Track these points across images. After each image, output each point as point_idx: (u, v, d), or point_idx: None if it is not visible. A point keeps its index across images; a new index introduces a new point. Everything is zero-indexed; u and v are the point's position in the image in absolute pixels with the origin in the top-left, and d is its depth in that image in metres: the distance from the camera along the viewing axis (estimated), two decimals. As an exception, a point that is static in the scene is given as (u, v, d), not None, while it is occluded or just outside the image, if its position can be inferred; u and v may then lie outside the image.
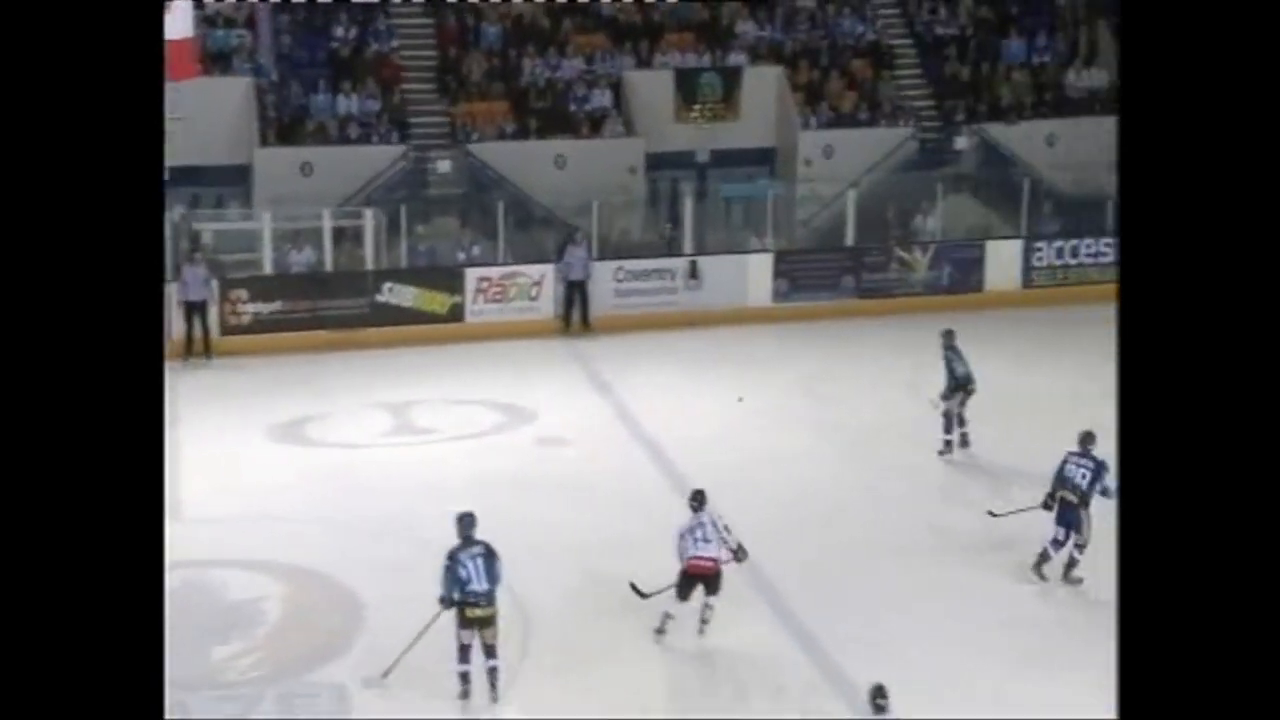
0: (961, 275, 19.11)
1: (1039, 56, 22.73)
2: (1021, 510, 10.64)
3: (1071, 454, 10.35)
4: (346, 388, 15.36)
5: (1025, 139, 21.33)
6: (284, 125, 19.64)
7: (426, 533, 10.88)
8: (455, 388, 15.47)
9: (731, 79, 21.39)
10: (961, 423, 12.90)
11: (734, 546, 9.36)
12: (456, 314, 17.45)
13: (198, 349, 16.24)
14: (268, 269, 17.35)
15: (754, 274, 18.75)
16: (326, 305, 17.23)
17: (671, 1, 22.01)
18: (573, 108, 20.98)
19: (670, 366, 16.60)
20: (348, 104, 20.05)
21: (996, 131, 21.54)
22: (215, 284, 16.57)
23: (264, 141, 19.24)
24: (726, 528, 9.38)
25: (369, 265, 17.81)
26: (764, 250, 19.25)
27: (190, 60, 16.64)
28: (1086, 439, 10.33)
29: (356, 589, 10.26)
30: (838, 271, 18.97)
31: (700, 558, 9.26)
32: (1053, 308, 18.55)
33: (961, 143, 21.40)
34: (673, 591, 9.29)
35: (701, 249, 19.12)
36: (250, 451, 13.28)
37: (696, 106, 21.24)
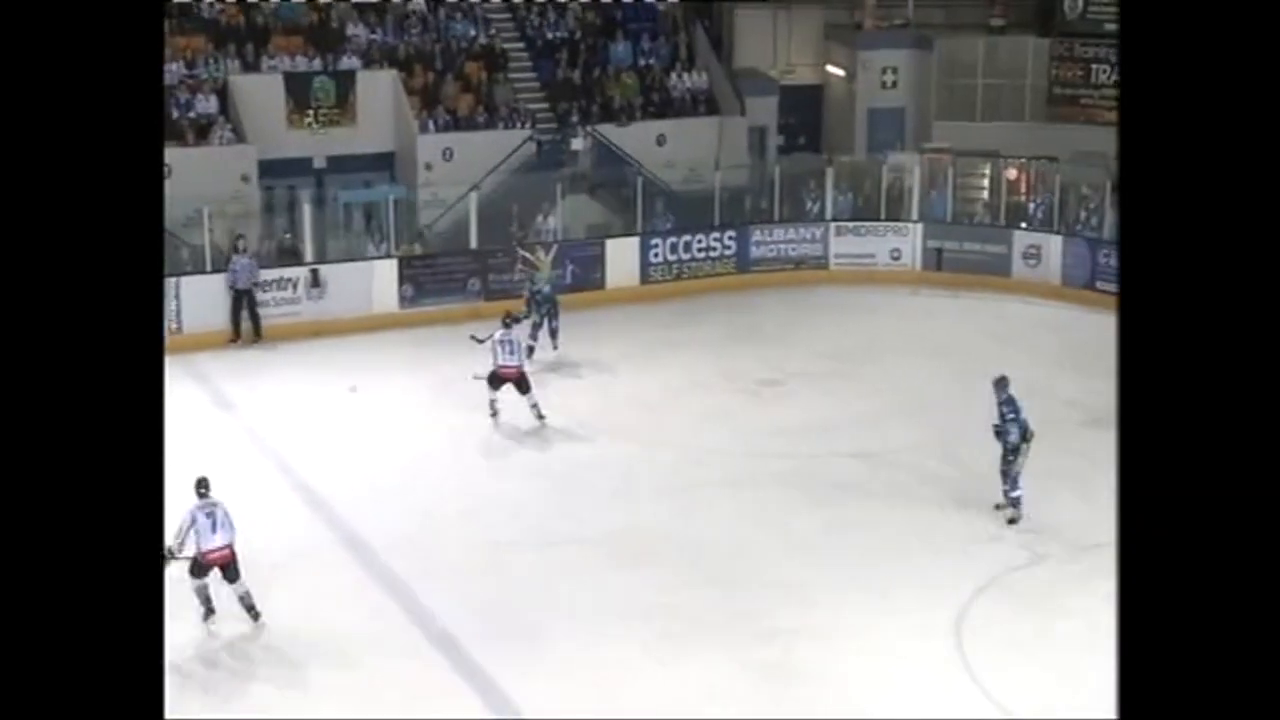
0: (584, 273, 19.79)
1: (645, 59, 23.82)
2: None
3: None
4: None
5: (636, 139, 22.36)
6: None
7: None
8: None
9: (345, 83, 21.32)
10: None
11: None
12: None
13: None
14: None
15: (379, 280, 18.79)
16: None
17: (275, 3, 21.61)
18: (176, 114, 20.23)
19: (297, 378, 16.37)
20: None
21: (609, 132, 22.45)
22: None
23: None
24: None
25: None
26: (388, 256, 19.26)
27: None
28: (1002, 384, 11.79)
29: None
30: (464, 274, 19.24)
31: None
32: (669, 301, 19.55)
33: (577, 144, 22.15)
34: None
35: (323, 257, 18.95)
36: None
37: (310, 111, 21.05)
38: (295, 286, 18.28)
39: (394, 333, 18.12)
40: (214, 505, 10.11)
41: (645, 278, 20.21)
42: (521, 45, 23.28)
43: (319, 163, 20.95)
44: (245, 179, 19.97)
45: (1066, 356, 16.73)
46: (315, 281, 18.34)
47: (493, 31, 23.19)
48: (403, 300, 18.80)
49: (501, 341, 14.17)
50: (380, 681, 9.13)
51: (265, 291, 18.02)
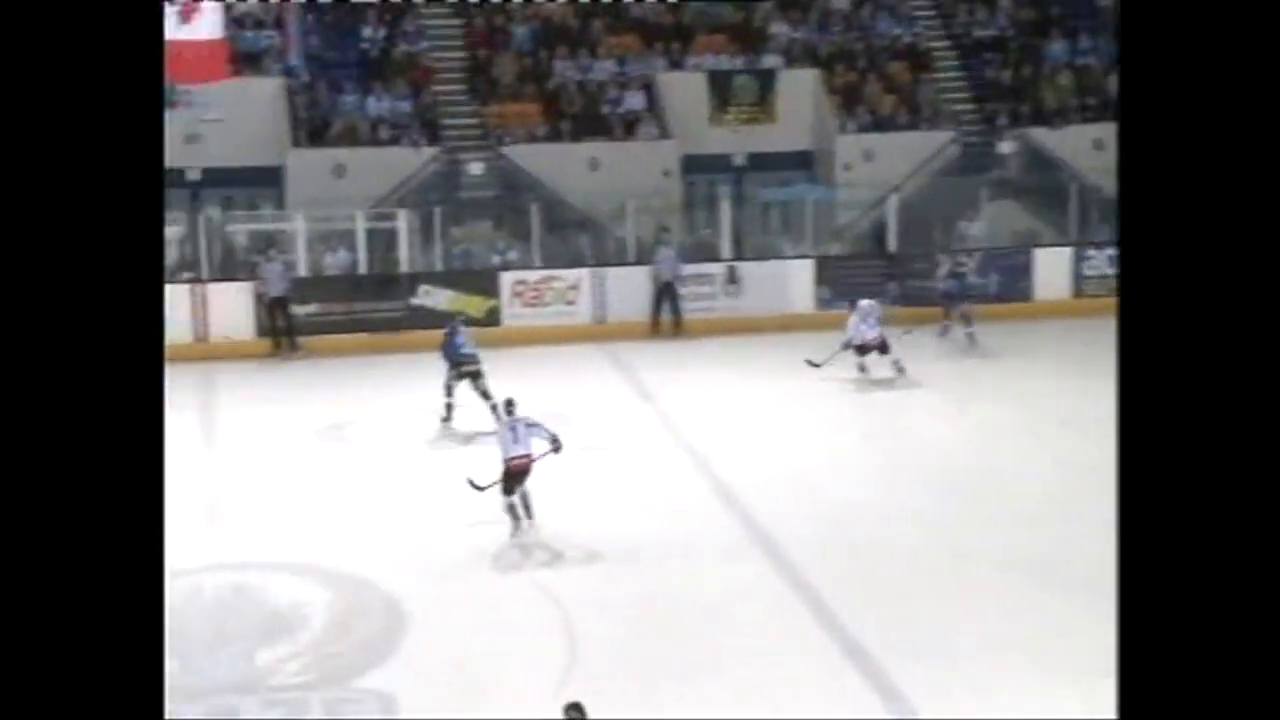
0: (1009, 282, 19.00)
1: (1082, 58, 22.64)
2: None
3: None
4: (386, 391, 15.35)
5: (1071, 143, 21.26)
6: (315, 126, 19.75)
7: (468, 536, 10.86)
8: (493, 391, 15.39)
9: (766, 81, 21.47)
10: None
11: (548, 440, 10.95)
12: (493, 318, 17.47)
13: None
14: (302, 271, 17.39)
15: (795, 280, 18.77)
16: (363, 308, 17.31)
17: (701, 2, 22.01)
18: (605, 110, 21.03)
19: (714, 373, 16.52)
20: (379, 105, 20.09)
21: (1041, 136, 21.50)
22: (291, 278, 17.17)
23: (296, 143, 19.40)
24: (535, 425, 11.00)
25: (404, 268, 17.85)
26: (805, 256, 19.20)
27: (220, 62, 16.94)
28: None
29: (400, 594, 10.16)
30: (881, 278, 18.91)
31: (516, 456, 10.81)
32: (1106, 316, 18.32)
33: (1005, 147, 21.38)
34: (499, 488, 10.84)
35: (741, 254, 19.08)
36: (291, 453, 13.26)
37: (731, 109, 21.31)
38: (712, 282, 18.53)
39: (809, 334, 17.94)
40: (516, 421, 10.92)
41: (1078, 290, 19.20)
42: (948, 44, 22.69)
43: (739, 160, 21.21)
44: (668, 174, 20.48)
45: None
46: (732, 278, 18.54)
47: (918, 30, 22.71)
48: (819, 301, 18.69)
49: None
50: (784, 679, 8.81)
51: (684, 286, 18.34)
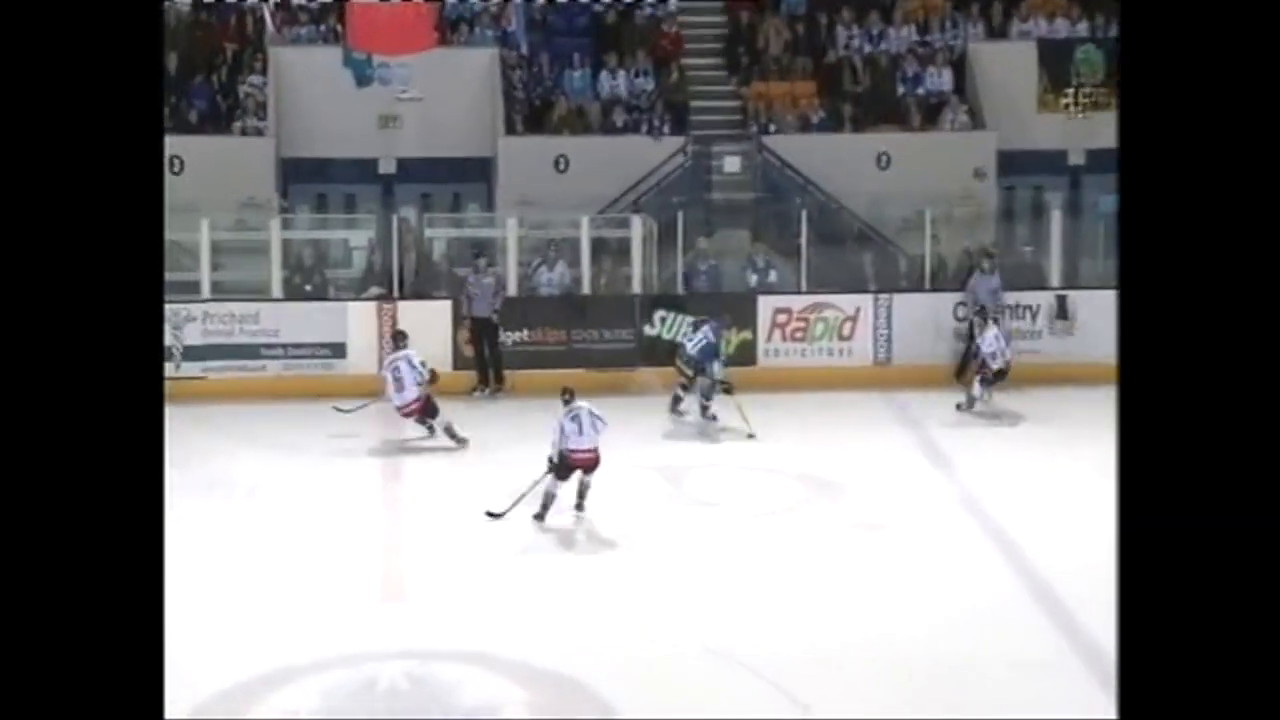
0: None
1: None
2: None
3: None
4: (609, 444, 15.70)
5: None
6: (534, 109, 20.36)
7: (699, 634, 10.97)
8: (743, 449, 15.58)
9: (1117, 54, 20.98)
10: None
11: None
12: (746, 354, 17.64)
13: (488, 380, 17.55)
14: (512, 289, 17.92)
15: (1145, 316, 18.26)
16: (584, 337, 17.79)
17: (1033, -46, 21.89)
18: (901, 91, 21.01)
19: (1030, 434, 16.22)
20: (613, 83, 20.62)
21: None
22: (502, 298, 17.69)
23: (510, 129, 20.03)
24: (598, 418, 13.07)
25: (636, 288, 18.26)
26: (1158, 286, 18.71)
27: (425, 28, 17.58)
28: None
29: (613, 699, 10.37)
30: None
31: (584, 450, 13.07)
32: None
33: None
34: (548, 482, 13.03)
35: (1073, 281, 18.77)
36: (480, 521, 13.63)
37: (1069, 91, 21.03)
38: (1036, 316, 18.26)
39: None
40: (578, 409, 12.89)
41: None
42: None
43: (1076, 158, 20.90)
44: (980, 174, 20.38)
45: None
46: (1062, 312, 18.24)
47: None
48: (1174, 346, 18.21)
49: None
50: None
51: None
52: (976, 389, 16.80)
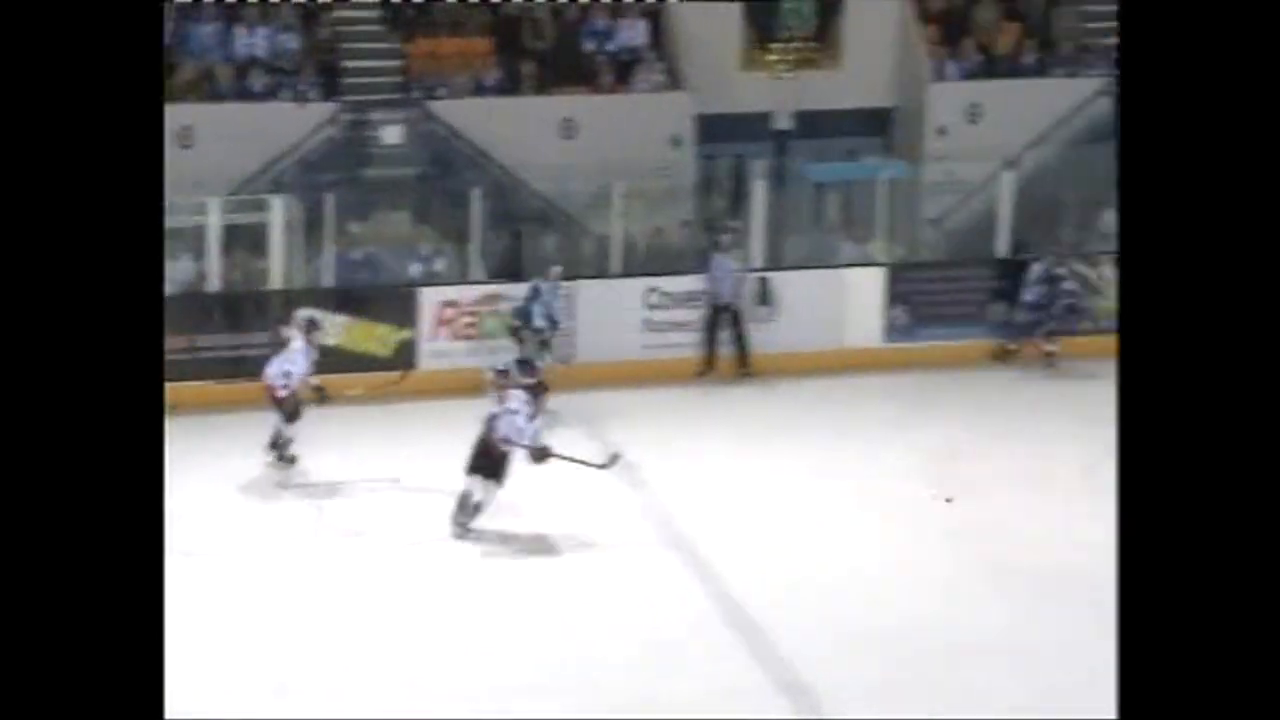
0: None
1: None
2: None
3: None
4: (233, 467, 15.41)
5: None
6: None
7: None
8: (395, 465, 15.52)
9: (829, 6, 21.50)
10: None
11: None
12: (406, 356, 17.53)
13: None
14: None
15: (858, 298, 18.83)
16: (211, 343, 17.37)
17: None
18: (589, 48, 21.04)
19: (722, 440, 16.47)
20: (249, 41, 20.19)
21: (1230, 84, 21.32)
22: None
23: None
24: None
25: (276, 283, 17.98)
26: (873, 263, 19.30)
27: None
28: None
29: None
30: (984, 296, 18.96)
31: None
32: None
33: (1179, 102, 21.23)
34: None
35: (778, 261, 19.13)
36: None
37: (776, 47, 21.30)
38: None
39: (874, 378, 18.09)
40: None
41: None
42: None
43: (783, 121, 21.23)
44: (677, 142, 20.53)
45: None
46: (764, 296, 18.50)
47: (1053, -70, 22.67)
48: (891, 330, 18.77)
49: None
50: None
51: (689, 308, 18.42)
52: None
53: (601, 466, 14.12)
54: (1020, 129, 20.59)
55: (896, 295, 18.83)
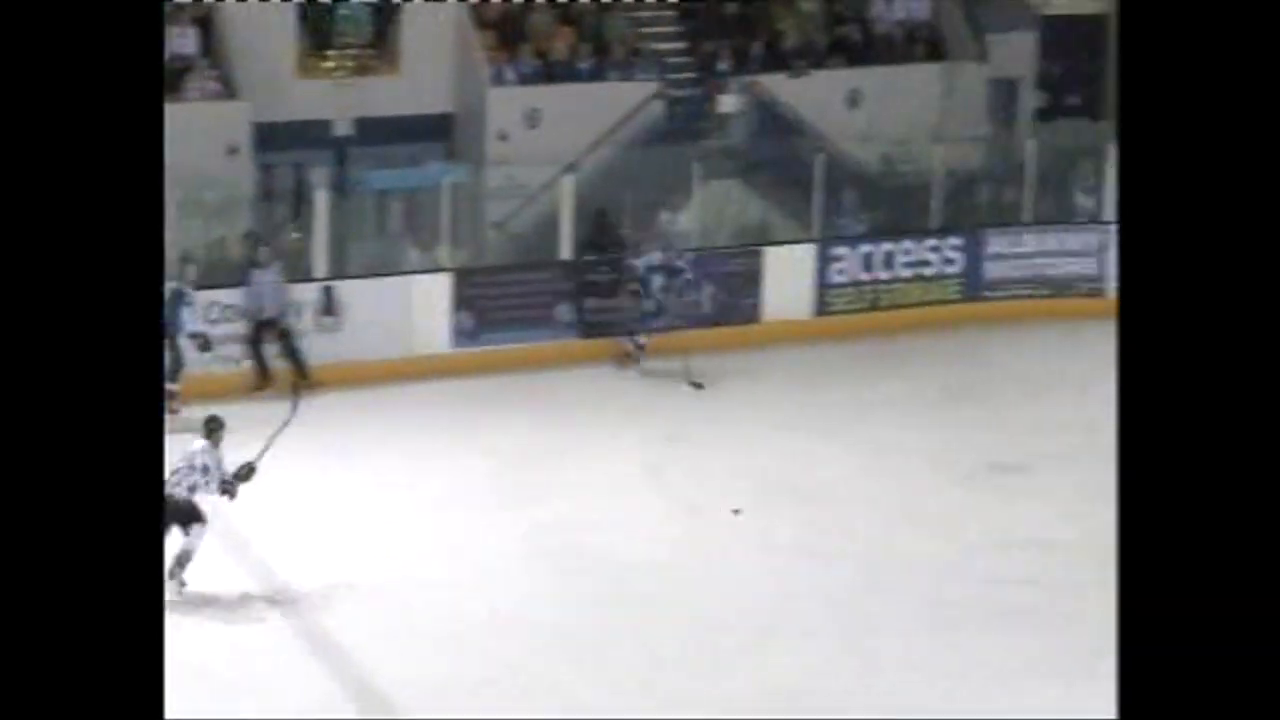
0: (730, 299, 19.64)
1: (833, -24, 23.84)
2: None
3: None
4: None
5: (818, 97, 22.34)
6: None
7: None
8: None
9: (386, 13, 21.53)
10: None
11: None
12: None
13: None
14: None
15: (423, 304, 18.91)
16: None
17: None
18: (139, 56, 20.59)
19: (284, 451, 16.30)
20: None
21: (775, 86, 22.35)
22: None
23: None
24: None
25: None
26: (438, 269, 19.41)
27: None
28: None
29: None
30: (550, 298, 19.31)
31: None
32: (858, 342, 19.28)
33: (728, 103, 22.13)
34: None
35: (341, 270, 19.14)
36: None
37: (332, 54, 21.27)
38: (299, 312, 18.38)
39: (442, 384, 18.19)
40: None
41: (823, 306, 20.20)
42: (647, -43, 23.31)
43: (342, 128, 21.17)
44: (234, 151, 20.27)
45: None
46: (329, 306, 18.43)
47: (607, -61, 23.24)
48: (458, 335, 18.93)
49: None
50: None
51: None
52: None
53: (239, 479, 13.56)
54: (579, 133, 20.95)
55: (463, 300, 18.91)
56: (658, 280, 18.98)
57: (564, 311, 19.34)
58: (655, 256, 19.00)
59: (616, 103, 21.70)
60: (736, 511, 14.98)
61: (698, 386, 18.05)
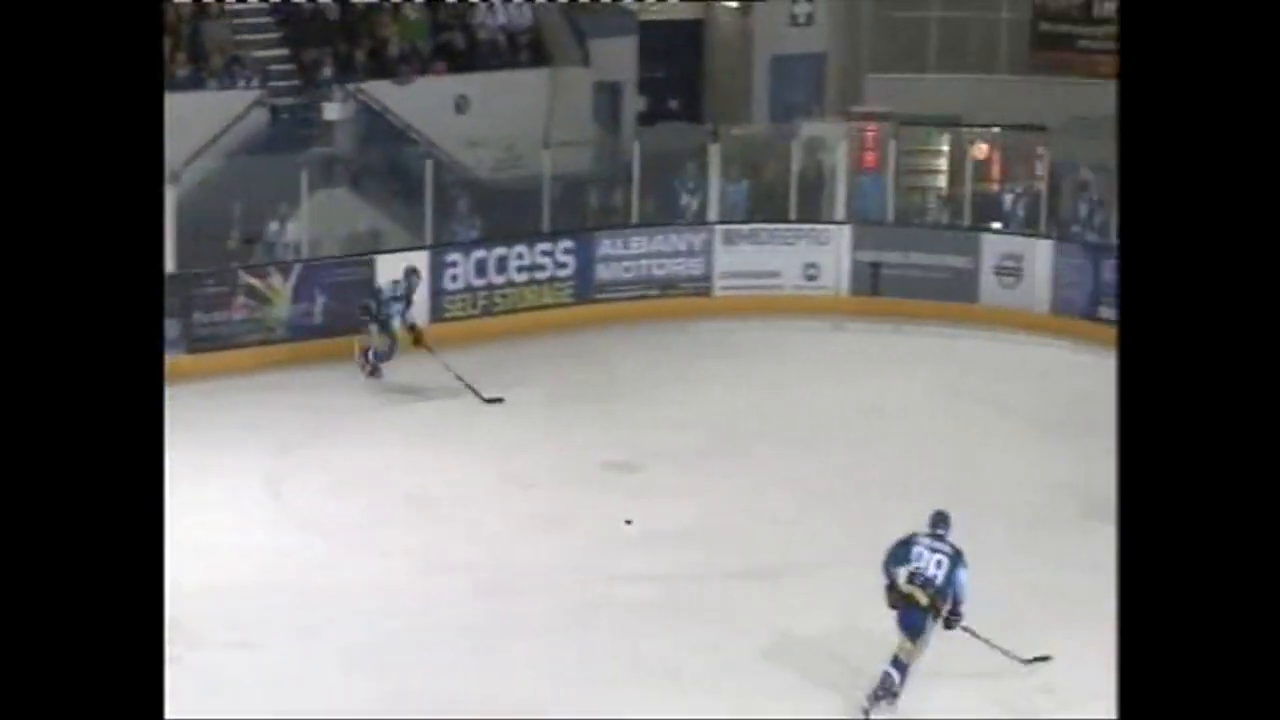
0: (341, 308, 19.51)
1: (428, -19, 23.91)
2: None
3: (923, 536, 11.48)
4: None
5: (424, 104, 22.45)
6: None
7: None
8: None
9: None
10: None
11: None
12: None
13: None
14: None
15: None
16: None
17: None
18: None
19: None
20: None
21: (383, 93, 22.42)
22: None
23: None
24: None
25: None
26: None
27: None
28: (939, 520, 11.56)
29: None
30: (156, 312, 18.89)
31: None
32: (471, 347, 19.43)
33: (333, 111, 22.04)
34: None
35: None
36: None
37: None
38: None
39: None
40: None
41: (437, 312, 20.22)
42: (244, -31, 23.03)
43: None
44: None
45: (1059, 418, 17.24)
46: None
47: (199, -62, 22.87)
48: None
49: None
50: None
51: None
52: None
53: None
54: (178, 143, 20.42)
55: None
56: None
57: (170, 327, 18.80)
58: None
59: (217, 112, 21.32)
60: (629, 521, 14.92)
61: (495, 401, 17.92)
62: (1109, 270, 19.56)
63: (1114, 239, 19.75)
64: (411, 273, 18.80)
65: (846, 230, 21.53)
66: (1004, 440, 16.92)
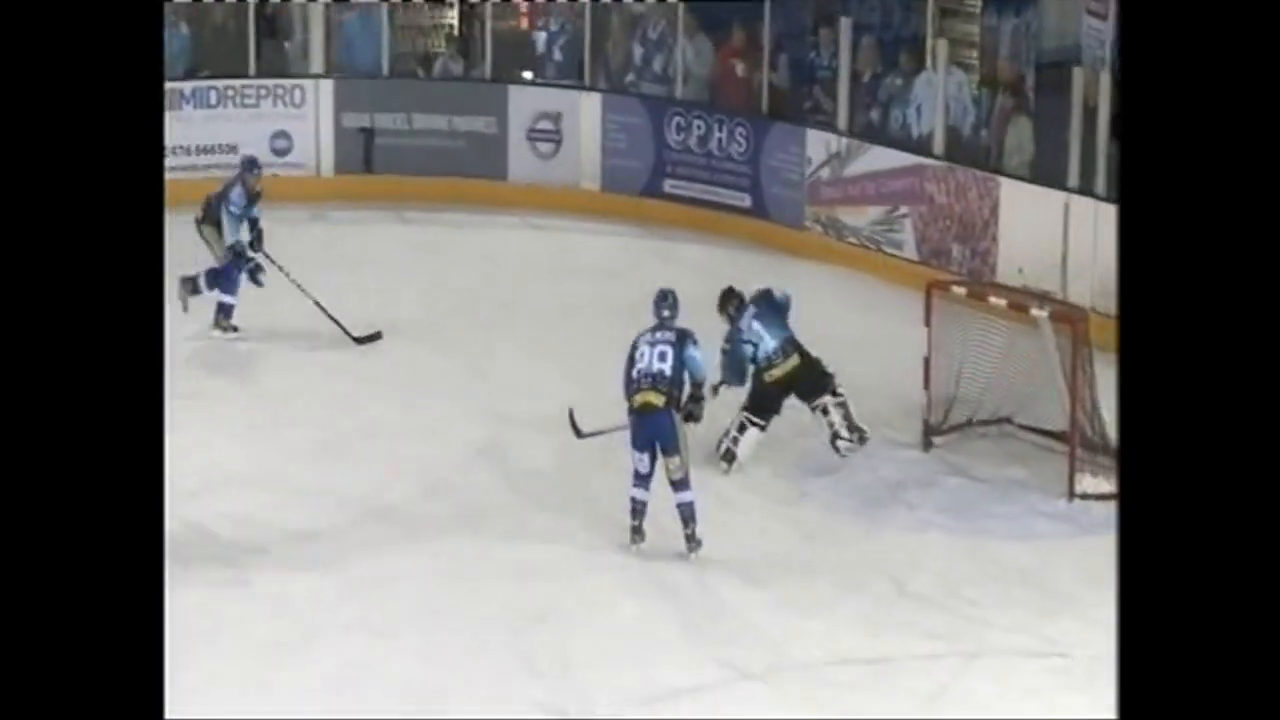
0: None
1: None
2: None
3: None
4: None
5: None
6: None
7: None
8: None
9: None
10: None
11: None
12: None
13: None
14: None
15: None
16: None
17: None
18: None
19: None
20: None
21: None
22: None
23: None
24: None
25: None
26: None
27: None
28: (661, 301, 11.84)
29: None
30: None
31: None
32: None
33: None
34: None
35: None
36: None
37: None
38: None
39: None
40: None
41: None
42: None
43: None
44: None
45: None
46: None
47: None
48: None
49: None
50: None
51: None
52: None
53: None
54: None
55: None
56: None
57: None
58: None
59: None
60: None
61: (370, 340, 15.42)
62: (675, 131, 18.15)
63: (680, 90, 18.46)
64: None
65: (327, 86, 19.17)
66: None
